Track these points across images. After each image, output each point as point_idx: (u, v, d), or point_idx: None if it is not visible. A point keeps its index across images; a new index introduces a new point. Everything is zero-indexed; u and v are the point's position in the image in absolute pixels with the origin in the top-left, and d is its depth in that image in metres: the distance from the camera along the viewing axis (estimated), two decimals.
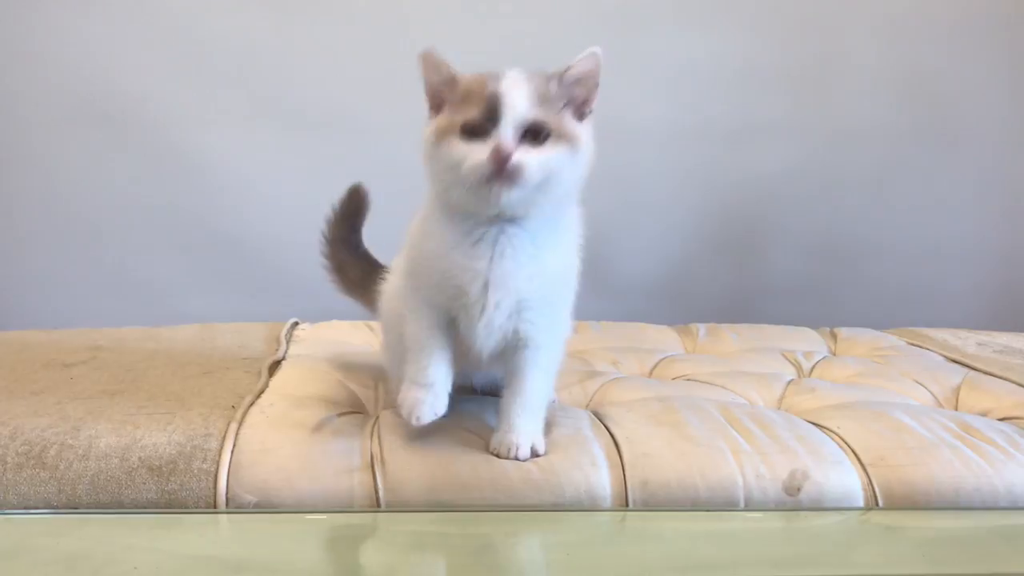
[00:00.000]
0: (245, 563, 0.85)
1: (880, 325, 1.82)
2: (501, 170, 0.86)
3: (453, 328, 0.98)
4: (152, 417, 1.03)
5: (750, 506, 0.95)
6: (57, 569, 0.80)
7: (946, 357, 1.52)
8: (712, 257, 2.22)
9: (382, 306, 1.13)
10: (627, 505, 0.94)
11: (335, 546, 0.91)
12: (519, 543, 0.91)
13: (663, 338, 1.65)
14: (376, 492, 0.94)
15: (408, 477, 0.94)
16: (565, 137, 0.90)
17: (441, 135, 0.91)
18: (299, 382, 1.23)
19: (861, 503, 0.96)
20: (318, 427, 1.03)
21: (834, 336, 1.73)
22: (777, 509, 0.95)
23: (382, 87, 2.09)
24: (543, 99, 0.89)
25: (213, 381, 1.21)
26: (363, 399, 1.21)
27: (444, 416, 0.97)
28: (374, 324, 1.70)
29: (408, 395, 0.96)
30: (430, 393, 0.96)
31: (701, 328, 1.72)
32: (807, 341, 1.67)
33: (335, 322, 1.71)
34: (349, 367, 1.34)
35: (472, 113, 0.89)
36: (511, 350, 0.98)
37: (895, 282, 2.26)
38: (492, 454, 0.97)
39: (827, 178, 2.23)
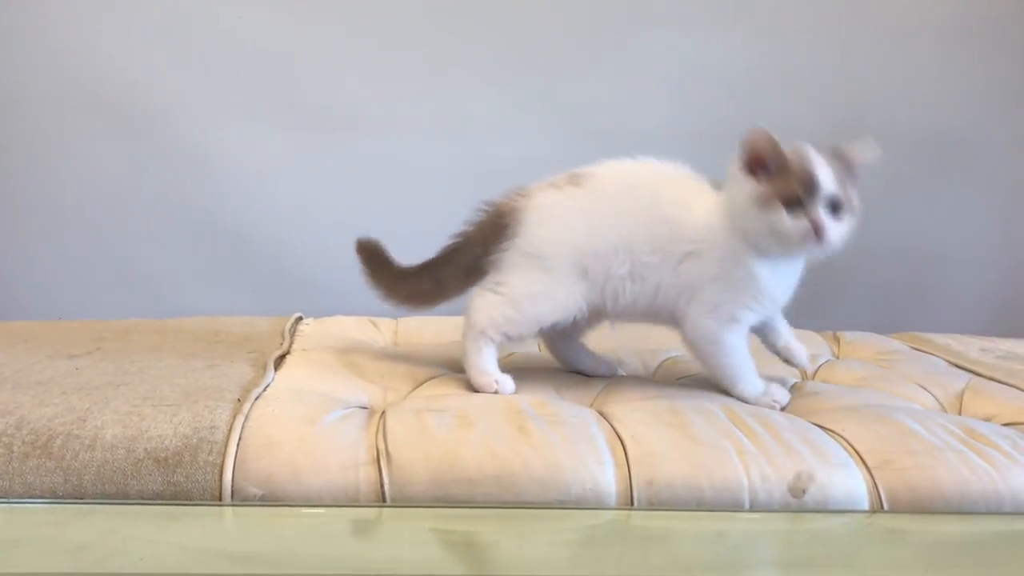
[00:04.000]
0: (251, 556, 0.85)
1: (882, 330, 1.82)
2: (819, 238, 1.10)
3: None
4: (158, 409, 1.03)
5: (755, 507, 0.95)
6: (63, 559, 0.80)
7: (949, 362, 1.52)
8: None
9: None
10: (632, 504, 0.94)
11: (340, 540, 0.91)
12: (524, 540, 0.91)
13: (666, 339, 1.64)
14: (382, 487, 0.94)
15: (414, 472, 0.94)
16: (853, 210, 1.14)
17: (764, 202, 1.12)
18: (305, 376, 1.23)
19: (866, 506, 0.96)
20: (324, 421, 1.03)
21: (837, 340, 1.73)
22: (782, 511, 0.95)
23: (390, 85, 2.11)
24: (841, 181, 1.12)
25: (219, 374, 1.21)
26: (368, 394, 1.21)
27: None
28: (378, 320, 1.71)
29: (771, 391, 1.23)
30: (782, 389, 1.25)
31: None
32: (811, 344, 1.67)
33: (339, 317, 1.71)
34: (354, 362, 1.34)
35: (793, 188, 1.10)
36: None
37: (897, 287, 2.26)
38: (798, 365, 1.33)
39: None
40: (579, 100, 2.13)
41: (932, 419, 1.12)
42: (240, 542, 0.90)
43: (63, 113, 2.04)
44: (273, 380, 1.19)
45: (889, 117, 2.19)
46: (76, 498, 0.92)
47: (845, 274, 2.25)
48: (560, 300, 1.20)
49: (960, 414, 1.26)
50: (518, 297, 1.20)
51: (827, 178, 1.10)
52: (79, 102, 2.03)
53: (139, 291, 2.12)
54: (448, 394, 1.19)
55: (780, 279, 1.20)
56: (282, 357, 1.35)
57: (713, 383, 1.27)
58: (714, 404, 1.15)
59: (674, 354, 1.54)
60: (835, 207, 1.11)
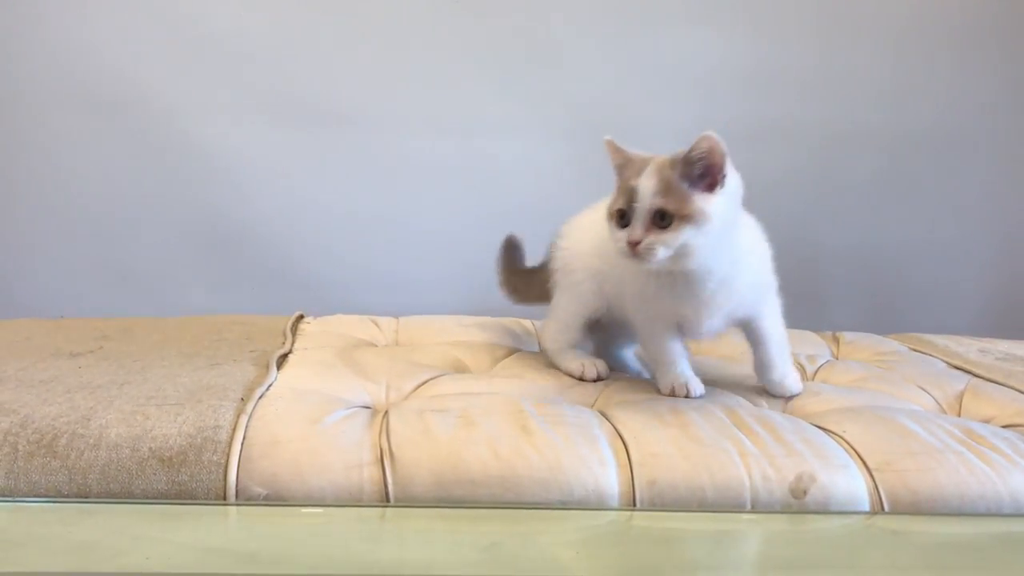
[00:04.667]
0: (255, 555, 0.85)
1: (880, 330, 1.82)
2: (635, 253, 1.07)
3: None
4: (162, 408, 1.03)
5: (756, 508, 0.95)
6: (70, 558, 0.80)
7: (948, 363, 1.53)
8: None
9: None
10: (634, 505, 0.95)
11: (344, 540, 0.91)
12: (527, 541, 0.91)
13: None
14: (385, 487, 0.94)
15: (417, 473, 0.95)
16: (687, 217, 1.06)
17: (608, 216, 1.12)
18: (307, 376, 1.24)
19: (867, 507, 0.96)
20: (327, 421, 1.03)
21: (836, 340, 1.73)
22: (783, 512, 0.96)
23: (392, 83, 2.11)
24: (667, 188, 1.06)
25: (222, 373, 1.21)
26: (370, 393, 1.21)
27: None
28: (379, 319, 1.71)
29: (674, 382, 1.22)
30: (691, 379, 1.23)
31: None
32: (810, 344, 1.68)
33: (340, 316, 1.72)
34: (356, 361, 1.34)
35: (619, 204, 1.10)
36: (744, 330, 1.26)
37: (896, 287, 2.27)
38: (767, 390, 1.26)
39: (829, 182, 2.24)
40: (580, 98, 2.14)
41: (932, 421, 1.12)
42: (245, 541, 0.90)
43: (64, 112, 2.04)
44: (276, 379, 1.19)
45: (888, 117, 2.21)
46: (81, 497, 0.92)
47: (843, 274, 2.26)
48: (584, 297, 1.32)
49: (959, 415, 1.27)
50: (559, 312, 1.36)
51: (647, 191, 1.06)
52: (80, 101, 2.04)
53: (140, 289, 2.13)
54: (450, 394, 1.20)
55: (667, 293, 1.16)
56: (284, 356, 1.35)
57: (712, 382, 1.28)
58: (715, 405, 1.15)
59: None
60: (661, 217, 1.06)
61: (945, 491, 0.98)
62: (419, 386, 1.25)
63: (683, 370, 1.23)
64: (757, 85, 2.17)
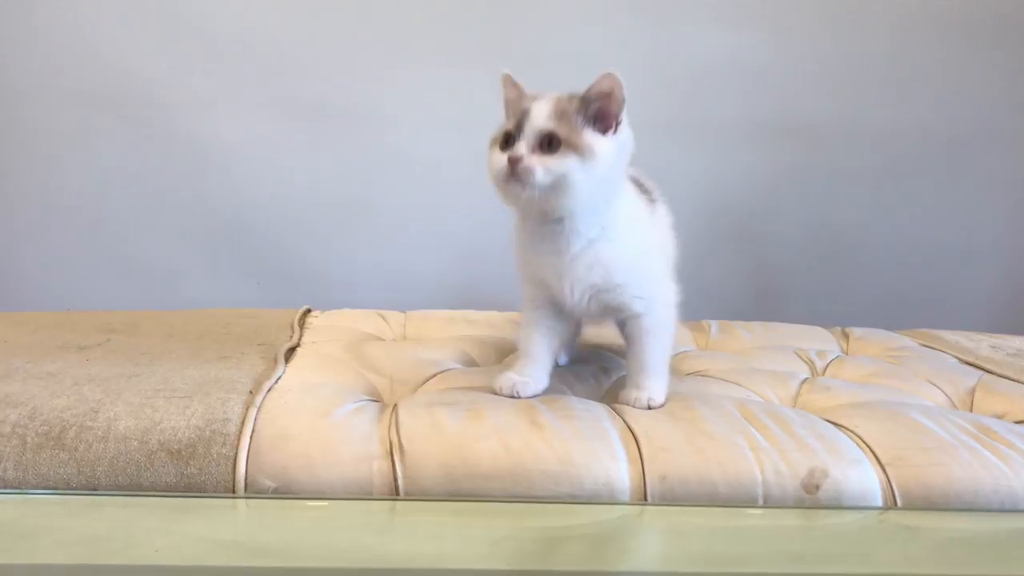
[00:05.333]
0: (264, 548, 0.85)
1: (890, 326, 1.81)
2: (513, 171, 1.01)
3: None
4: (170, 401, 1.03)
5: (768, 503, 0.95)
6: (79, 550, 0.80)
7: (959, 359, 1.52)
8: (722, 254, 2.22)
9: None
10: (646, 499, 0.94)
11: (354, 533, 0.90)
12: (537, 535, 0.90)
13: (676, 334, 1.65)
14: (395, 480, 0.94)
15: (427, 466, 0.94)
16: (576, 147, 1.01)
17: (491, 143, 1.06)
18: (315, 369, 1.23)
19: (880, 503, 0.96)
20: (336, 414, 1.03)
21: (846, 336, 1.72)
22: (795, 507, 0.95)
23: (398, 77, 2.10)
24: (561, 114, 1.02)
25: (230, 366, 1.21)
26: (379, 387, 1.21)
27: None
28: (386, 312, 1.71)
29: (509, 375, 1.13)
30: (531, 379, 1.13)
31: (713, 325, 1.72)
32: (820, 340, 1.67)
33: (347, 310, 1.71)
34: (364, 355, 1.34)
35: (508, 126, 1.04)
36: (621, 321, 1.16)
37: (905, 283, 2.26)
38: (622, 403, 1.12)
39: (839, 178, 2.23)
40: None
41: (944, 416, 1.12)
42: (254, 534, 0.89)
43: (68, 108, 2.04)
44: (284, 372, 1.19)
45: (898, 112, 2.20)
46: (90, 489, 0.92)
47: (853, 270, 2.25)
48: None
49: (971, 411, 1.26)
50: None
51: (539, 114, 1.01)
52: (84, 97, 2.04)
53: (146, 283, 2.13)
54: (458, 387, 1.19)
55: (534, 249, 1.10)
56: (292, 350, 1.35)
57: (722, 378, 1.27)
58: (727, 399, 1.15)
59: (685, 349, 1.54)
60: (548, 143, 1.01)
61: (958, 486, 0.97)
62: (426, 380, 1.25)
63: (522, 365, 1.14)
64: (766, 81, 2.16)
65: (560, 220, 1.06)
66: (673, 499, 0.94)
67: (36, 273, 2.10)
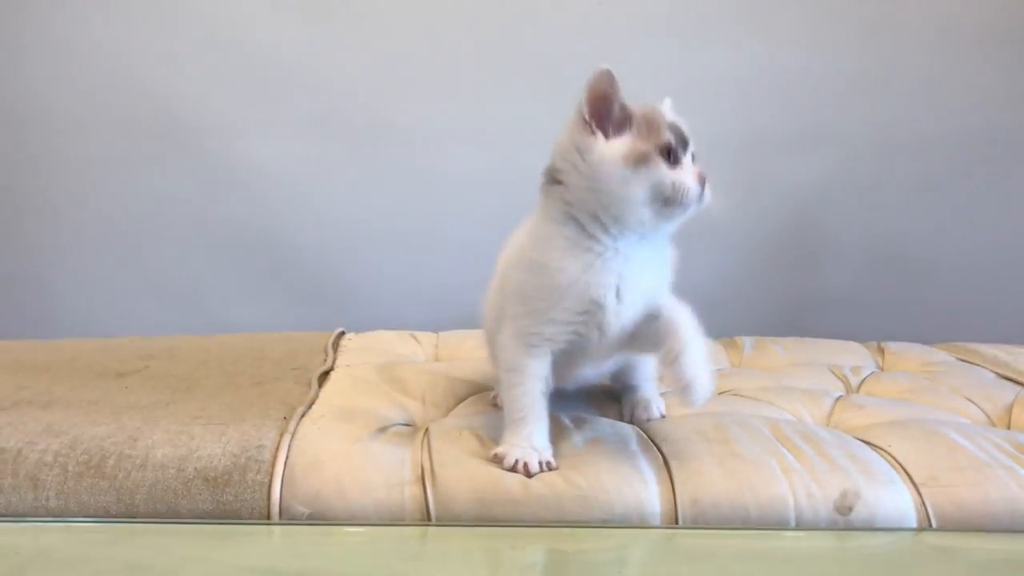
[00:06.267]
0: (300, 574, 0.86)
1: (927, 339, 1.79)
2: (704, 190, 0.97)
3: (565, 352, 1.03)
4: (207, 428, 1.05)
5: (801, 525, 0.94)
6: None
7: (997, 374, 1.50)
8: (756, 269, 2.21)
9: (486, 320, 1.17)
10: (677, 523, 0.94)
11: (387, 559, 0.91)
12: (569, 560, 0.91)
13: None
14: (427, 505, 0.95)
15: (458, 491, 0.95)
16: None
17: (640, 158, 0.95)
18: (349, 393, 1.25)
19: (914, 524, 0.95)
20: (368, 439, 1.04)
21: (881, 351, 1.71)
22: (828, 529, 0.94)
23: (427, 97, 2.12)
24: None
25: (264, 392, 1.23)
26: (411, 411, 1.22)
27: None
28: (418, 334, 1.72)
29: (516, 454, 0.98)
30: (539, 451, 0.99)
31: (747, 341, 1.71)
32: (854, 356, 1.66)
33: (380, 332, 1.73)
34: (396, 378, 1.35)
35: (668, 139, 0.95)
36: (648, 323, 1.02)
37: (944, 294, 2.23)
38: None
39: (873, 189, 2.21)
40: None
41: (980, 434, 1.10)
42: (289, 561, 0.91)
43: (104, 133, 2.08)
44: (318, 397, 1.20)
45: (932, 120, 2.17)
46: (129, 517, 0.94)
47: (888, 282, 2.23)
48: None
49: (1009, 428, 1.25)
50: None
51: (686, 127, 0.99)
52: (120, 123, 2.08)
53: (182, 306, 2.16)
54: (489, 411, 1.20)
55: (606, 266, 0.99)
56: (326, 373, 1.36)
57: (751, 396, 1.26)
58: (759, 419, 1.14)
59: (716, 368, 1.53)
60: (693, 158, 0.99)
61: (994, 507, 0.96)
62: (458, 403, 1.26)
63: (531, 433, 1.00)
64: (803, 92, 2.15)
65: (642, 237, 1.00)
66: (704, 522, 0.94)
67: (75, 297, 2.14)
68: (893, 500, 0.96)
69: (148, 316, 2.14)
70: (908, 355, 1.66)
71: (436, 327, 1.77)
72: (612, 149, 0.95)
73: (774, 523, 0.94)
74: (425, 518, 0.94)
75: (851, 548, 0.95)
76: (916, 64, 2.16)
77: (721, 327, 1.85)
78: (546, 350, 1.02)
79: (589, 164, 0.97)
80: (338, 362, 1.46)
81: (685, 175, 0.96)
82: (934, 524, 0.95)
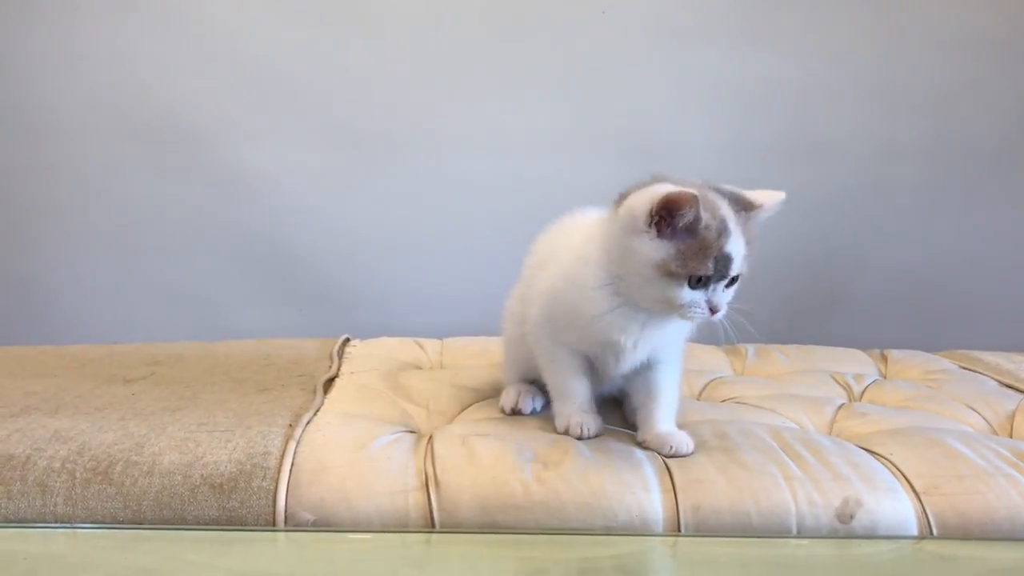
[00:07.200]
0: None
1: (931, 347, 1.80)
2: (712, 316, 1.01)
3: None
4: (212, 435, 1.06)
5: (802, 533, 0.95)
6: None
7: (999, 382, 1.50)
8: (759, 276, 2.21)
9: (505, 328, 1.27)
10: (679, 530, 0.95)
11: (390, 566, 0.92)
12: (571, 567, 0.91)
13: (712, 359, 1.65)
14: (431, 512, 0.95)
15: (462, 498, 0.96)
16: (744, 272, 1.03)
17: (668, 272, 0.98)
18: (353, 400, 1.25)
19: (915, 532, 0.96)
20: (373, 446, 1.05)
21: (884, 358, 1.71)
22: (830, 537, 0.95)
23: (430, 105, 2.13)
24: (748, 247, 1.01)
25: (270, 398, 1.23)
26: (416, 418, 1.22)
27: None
28: (423, 340, 1.73)
29: (575, 419, 1.11)
30: (593, 417, 1.12)
31: (750, 348, 1.72)
32: (857, 363, 1.66)
33: (385, 339, 1.74)
34: (401, 385, 1.36)
35: (707, 270, 0.98)
36: (644, 371, 1.12)
37: (944, 302, 2.24)
38: (650, 449, 1.07)
39: (877, 196, 2.21)
40: (619, 117, 2.14)
41: (981, 442, 1.11)
42: (294, 567, 0.92)
43: (110, 141, 2.09)
44: (323, 404, 1.21)
45: (937, 129, 2.18)
46: (135, 523, 0.95)
47: (893, 290, 2.23)
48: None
49: (1011, 436, 1.25)
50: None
51: (739, 259, 1.00)
52: (126, 129, 2.09)
53: (189, 311, 2.17)
54: (493, 418, 1.21)
55: (634, 316, 1.05)
56: (331, 380, 1.37)
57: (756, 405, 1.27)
58: (761, 427, 1.15)
59: (719, 375, 1.54)
60: (733, 281, 1.03)
61: (996, 515, 0.96)
62: (462, 410, 1.26)
63: (582, 404, 1.12)
64: (803, 99, 2.15)
65: None
66: (706, 530, 0.95)
67: (81, 302, 2.15)
68: (894, 508, 0.97)
69: (154, 322, 2.15)
70: (910, 363, 1.66)
71: (441, 334, 1.78)
72: (652, 250, 0.99)
73: (776, 531, 0.95)
74: (429, 525, 0.95)
75: (852, 556, 0.96)
76: (921, 73, 2.16)
77: (724, 335, 1.86)
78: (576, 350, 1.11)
79: (627, 245, 1.01)
80: (343, 369, 1.46)
81: (700, 301, 1.00)
82: (935, 532, 0.96)
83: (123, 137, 2.09)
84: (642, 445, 1.08)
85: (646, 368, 1.12)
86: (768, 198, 1.05)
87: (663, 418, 1.10)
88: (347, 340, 1.70)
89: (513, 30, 2.13)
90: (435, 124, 2.15)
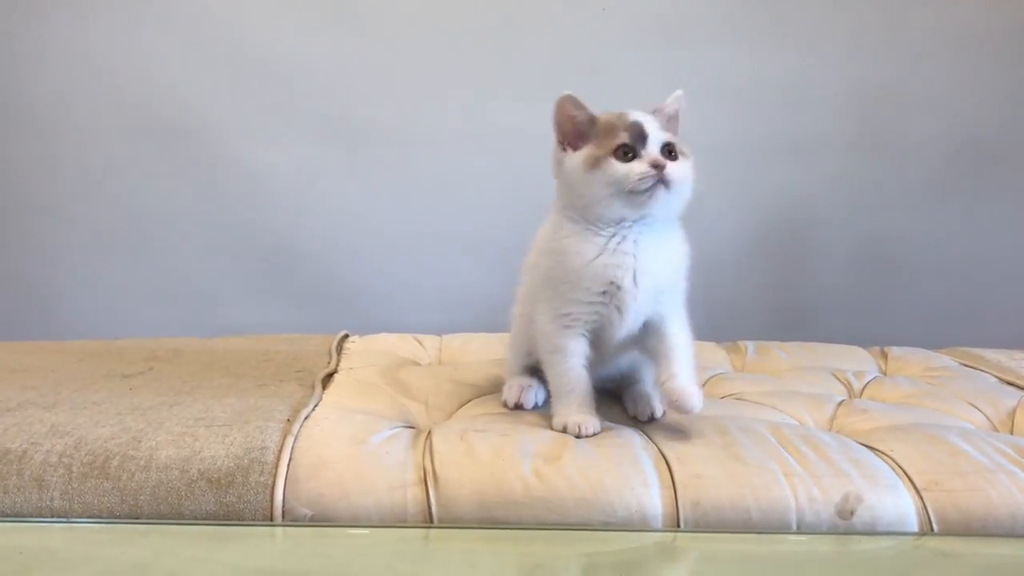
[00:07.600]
0: None
1: (929, 342, 1.79)
2: (661, 176, 1.05)
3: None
4: (210, 429, 1.05)
5: (803, 529, 0.94)
6: None
7: (1000, 379, 1.50)
8: (759, 273, 2.22)
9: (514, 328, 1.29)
10: (678, 526, 0.94)
11: (389, 561, 0.92)
12: (570, 562, 0.91)
13: (712, 356, 1.65)
14: (429, 507, 0.95)
15: (460, 493, 0.96)
16: (685, 154, 1.11)
17: (595, 161, 1.08)
18: (352, 395, 1.25)
19: (915, 528, 0.95)
20: (371, 441, 1.04)
21: (884, 355, 1.71)
22: (830, 533, 0.95)
23: (434, 103, 2.13)
24: (665, 128, 1.11)
25: (268, 393, 1.23)
26: (414, 413, 1.22)
27: None
28: (422, 336, 1.73)
29: (572, 418, 1.10)
30: (592, 417, 1.11)
31: (750, 345, 1.72)
32: (857, 360, 1.66)
33: (384, 335, 1.73)
34: (399, 381, 1.35)
35: (623, 139, 1.07)
36: (651, 335, 1.14)
37: (946, 298, 2.24)
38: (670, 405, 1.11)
39: (876, 194, 2.21)
40: None
41: (982, 439, 1.10)
42: (292, 562, 0.91)
43: (115, 137, 2.09)
44: (321, 400, 1.21)
45: (940, 126, 2.18)
46: (132, 518, 0.94)
47: (890, 286, 2.23)
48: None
49: (1012, 433, 1.25)
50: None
51: (654, 126, 1.09)
52: (131, 126, 2.09)
53: (188, 307, 2.17)
54: (492, 413, 1.20)
55: (620, 248, 1.09)
56: (329, 376, 1.37)
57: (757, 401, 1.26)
58: (761, 423, 1.14)
59: (719, 371, 1.53)
60: (670, 151, 1.08)
61: (996, 511, 0.96)
62: (461, 405, 1.26)
63: (582, 403, 1.12)
64: (799, 96, 2.15)
65: (646, 223, 1.10)
66: (706, 525, 0.95)
67: (80, 298, 2.15)
68: (895, 504, 0.96)
69: (153, 318, 2.15)
70: (911, 360, 1.66)
71: (440, 330, 1.78)
72: (574, 160, 1.10)
73: (776, 527, 0.94)
74: (427, 520, 0.94)
75: (853, 552, 0.95)
76: (916, 70, 2.16)
77: (723, 331, 1.86)
78: (581, 331, 1.13)
79: (563, 174, 1.12)
80: (342, 364, 1.46)
81: (637, 165, 1.06)
82: (936, 528, 0.95)
83: (124, 134, 2.09)
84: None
85: (654, 329, 1.13)
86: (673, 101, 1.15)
87: (678, 373, 1.09)
88: (346, 336, 1.69)
89: (513, 27, 2.13)
90: (435, 121, 2.15)
